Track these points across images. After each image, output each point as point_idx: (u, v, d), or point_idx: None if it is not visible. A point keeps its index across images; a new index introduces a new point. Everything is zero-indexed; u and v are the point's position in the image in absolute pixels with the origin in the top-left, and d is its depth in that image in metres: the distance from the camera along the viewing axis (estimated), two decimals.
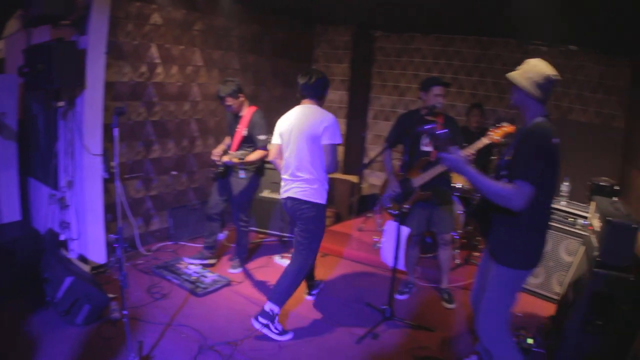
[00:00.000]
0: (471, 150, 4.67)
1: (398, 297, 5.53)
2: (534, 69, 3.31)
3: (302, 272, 4.68)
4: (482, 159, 6.16)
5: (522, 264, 3.38)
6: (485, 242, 3.71)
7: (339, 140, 4.55)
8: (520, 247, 3.35)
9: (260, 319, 4.51)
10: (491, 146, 4.81)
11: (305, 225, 4.64)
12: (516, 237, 3.35)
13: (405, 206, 5.08)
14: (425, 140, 5.15)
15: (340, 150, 6.14)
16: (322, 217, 4.72)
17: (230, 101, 5.36)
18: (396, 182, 5.22)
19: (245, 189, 5.61)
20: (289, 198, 4.65)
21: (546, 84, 3.28)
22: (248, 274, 5.80)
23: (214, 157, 5.54)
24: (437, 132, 3.59)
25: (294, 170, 4.59)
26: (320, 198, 4.60)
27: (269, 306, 4.52)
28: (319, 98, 4.69)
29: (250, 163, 5.41)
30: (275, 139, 4.79)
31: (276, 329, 4.51)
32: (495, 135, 4.43)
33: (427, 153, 5.15)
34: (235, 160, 5.18)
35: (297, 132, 4.55)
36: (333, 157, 4.56)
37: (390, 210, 5.36)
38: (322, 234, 4.75)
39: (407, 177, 5.17)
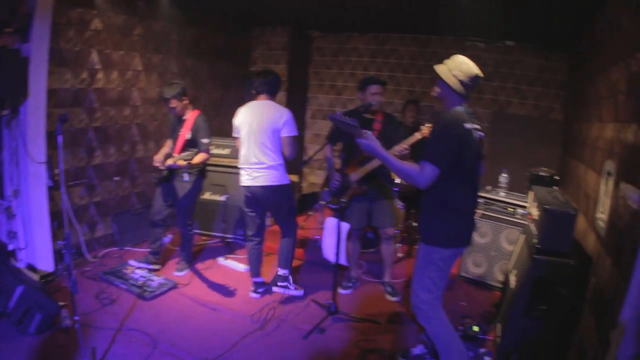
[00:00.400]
0: (404, 145, 4.87)
1: (342, 292, 5.68)
2: (460, 67, 3.52)
3: (294, 239, 5.57)
4: (417, 153, 6.41)
5: (444, 243, 3.62)
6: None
7: (296, 132, 5.17)
8: (442, 227, 3.60)
9: (279, 283, 5.54)
10: (424, 141, 5.04)
11: (281, 205, 5.36)
12: (438, 218, 3.60)
13: (342, 200, 5.22)
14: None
15: None
16: (291, 194, 5.45)
17: (174, 103, 5.38)
18: (337, 176, 5.39)
19: (189, 193, 5.67)
20: (258, 187, 5.18)
21: (471, 83, 3.51)
22: (194, 276, 5.86)
23: (156, 163, 5.53)
24: (340, 118, 3.82)
25: (258, 160, 5.12)
26: (286, 179, 5.25)
27: (281, 271, 5.54)
28: (273, 94, 5.27)
29: (194, 166, 5.48)
30: (236, 132, 5.33)
31: (293, 286, 5.54)
32: (427, 130, 4.72)
33: None
34: (181, 162, 5.20)
35: (258, 125, 5.08)
36: (293, 147, 5.17)
37: (329, 205, 5.54)
38: (295, 205, 5.60)
39: (345, 173, 5.34)
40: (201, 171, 5.79)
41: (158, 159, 5.51)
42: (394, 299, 5.63)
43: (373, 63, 9.14)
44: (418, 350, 4.38)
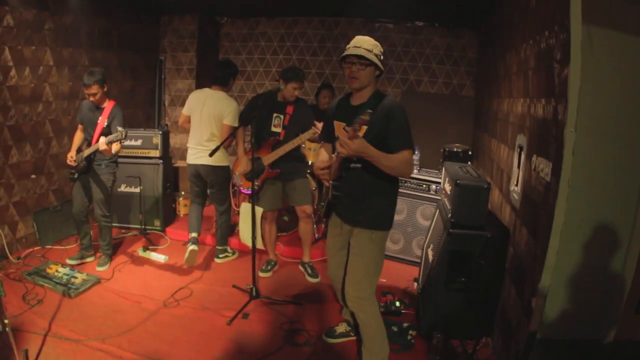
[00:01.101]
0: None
1: (262, 275, 5.92)
2: (378, 47, 3.54)
3: (229, 217, 6.36)
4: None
5: (388, 225, 3.77)
6: (341, 217, 3.93)
7: (236, 123, 5.71)
8: (386, 211, 3.76)
9: (220, 255, 6.37)
10: None
11: (221, 184, 6.03)
12: (384, 204, 3.73)
13: (256, 183, 5.41)
14: (276, 120, 5.55)
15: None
16: (229, 174, 6.08)
17: (95, 89, 5.39)
18: (247, 161, 5.64)
19: (104, 185, 5.77)
20: (201, 165, 5.86)
21: (382, 59, 3.58)
22: (116, 270, 5.95)
23: (70, 162, 5.65)
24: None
25: (204, 142, 5.80)
26: (224, 161, 5.92)
27: (220, 248, 6.40)
28: (225, 85, 5.88)
29: (112, 155, 5.59)
30: (186, 111, 5.98)
31: (231, 252, 6.44)
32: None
33: (277, 134, 5.56)
34: (104, 146, 5.26)
35: (208, 112, 5.76)
36: (227, 133, 5.64)
37: (241, 189, 5.83)
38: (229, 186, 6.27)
39: (257, 156, 5.53)
40: (114, 161, 5.89)
41: (71, 156, 5.64)
42: (314, 280, 5.87)
43: (282, 47, 9.30)
44: (341, 328, 4.56)
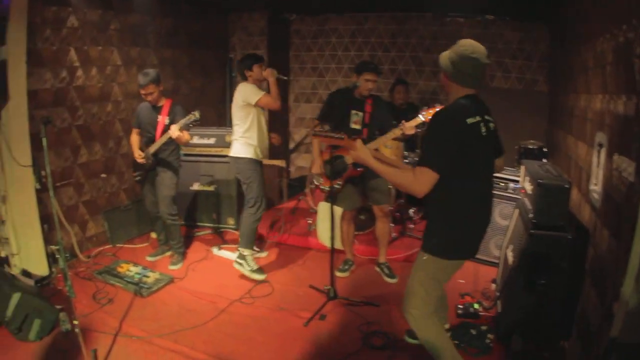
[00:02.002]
0: (411, 126, 4.90)
1: (339, 274, 5.67)
2: (456, 50, 3.18)
3: (255, 217, 5.63)
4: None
5: (440, 253, 3.32)
6: None
7: (252, 100, 5.43)
8: (440, 235, 3.31)
9: (238, 259, 5.64)
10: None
11: (244, 178, 5.62)
12: (436, 225, 3.35)
13: (338, 182, 5.28)
14: (355, 117, 5.33)
15: None
16: (253, 169, 5.60)
17: (152, 88, 5.42)
18: (321, 162, 5.44)
19: (169, 183, 5.75)
20: (230, 157, 5.71)
21: (467, 68, 3.15)
22: (189, 269, 5.85)
23: (140, 159, 5.68)
24: (325, 134, 3.69)
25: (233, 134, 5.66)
26: (245, 153, 5.55)
27: (241, 249, 5.66)
28: (245, 79, 5.59)
29: (185, 142, 5.59)
30: None
31: (249, 266, 5.58)
32: (428, 115, 4.70)
33: (358, 131, 5.32)
34: (176, 133, 5.26)
35: (232, 105, 5.57)
36: (247, 114, 5.52)
37: (321, 187, 5.55)
38: (258, 184, 5.62)
39: (340, 155, 5.33)
40: (178, 158, 5.91)
41: (138, 156, 5.68)
42: (391, 281, 5.64)
43: (353, 43, 9.06)
44: None
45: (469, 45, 3.16)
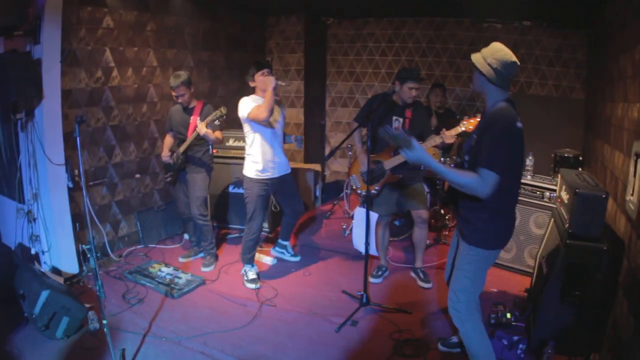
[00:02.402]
0: (452, 135, 4.79)
1: (372, 281, 5.59)
2: (495, 55, 3.28)
3: (247, 236, 5.48)
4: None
5: (488, 244, 3.47)
6: (456, 221, 3.78)
7: (244, 114, 5.16)
8: (486, 229, 3.44)
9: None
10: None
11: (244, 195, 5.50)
12: (482, 220, 3.42)
13: (375, 187, 5.20)
14: (395, 123, 5.23)
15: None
16: (251, 189, 5.39)
17: (183, 90, 5.44)
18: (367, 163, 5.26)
19: (201, 184, 5.73)
20: None
21: (506, 72, 3.27)
22: (221, 271, 5.80)
23: (165, 158, 5.73)
24: (393, 133, 3.56)
25: None
26: (248, 172, 5.41)
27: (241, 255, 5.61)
28: (253, 91, 5.39)
29: (215, 140, 5.54)
30: None
31: (246, 276, 5.52)
32: (470, 125, 4.54)
33: None
34: (203, 129, 5.23)
35: None
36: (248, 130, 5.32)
37: (359, 191, 5.44)
38: (253, 204, 5.39)
39: (378, 160, 5.25)
40: (210, 158, 5.91)
41: (165, 154, 5.72)
42: (426, 285, 5.54)
43: (390, 48, 8.96)
44: (455, 339, 4.32)
45: (505, 49, 3.32)
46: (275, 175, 5.43)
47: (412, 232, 5.63)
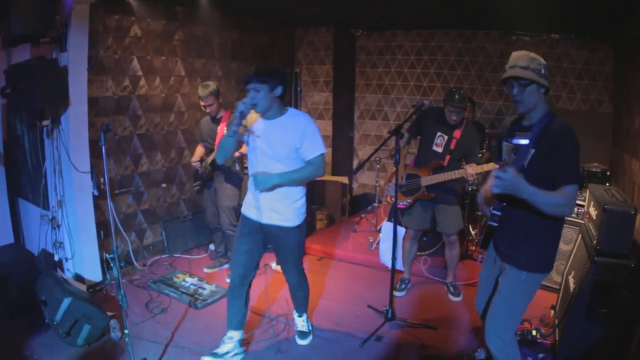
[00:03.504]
0: (472, 175, 4.77)
1: (396, 294, 5.51)
2: (536, 63, 3.08)
3: None
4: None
5: (540, 269, 3.29)
6: (496, 250, 3.52)
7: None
8: (544, 250, 3.27)
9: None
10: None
11: None
12: (543, 241, 3.24)
13: (408, 200, 5.16)
14: (439, 140, 5.12)
15: (329, 151, 6.23)
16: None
17: (211, 100, 5.42)
18: (404, 174, 5.25)
19: (231, 193, 5.70)
20: None
21: (546, 73, 3.12)
22: None
23: (195, 164, 5.71)
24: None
25: None
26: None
27: None
28: None
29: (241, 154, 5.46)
30: None
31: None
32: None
33: (439, 154, 5.13)
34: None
35: None
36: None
37: (394, 200, 5.33)
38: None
39: (417, 174, 5.20)
40: (240, 170, 5.82)
41: (195, 160, 5.72)
42: (456, 299, 5.50)
43: (419, 60, 8.84)
44: (481, 354, 4.22)
45: (532, 54, 3.15)
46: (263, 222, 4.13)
47: (444, 252, 5.57)
